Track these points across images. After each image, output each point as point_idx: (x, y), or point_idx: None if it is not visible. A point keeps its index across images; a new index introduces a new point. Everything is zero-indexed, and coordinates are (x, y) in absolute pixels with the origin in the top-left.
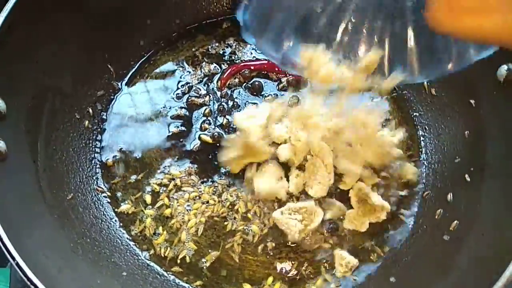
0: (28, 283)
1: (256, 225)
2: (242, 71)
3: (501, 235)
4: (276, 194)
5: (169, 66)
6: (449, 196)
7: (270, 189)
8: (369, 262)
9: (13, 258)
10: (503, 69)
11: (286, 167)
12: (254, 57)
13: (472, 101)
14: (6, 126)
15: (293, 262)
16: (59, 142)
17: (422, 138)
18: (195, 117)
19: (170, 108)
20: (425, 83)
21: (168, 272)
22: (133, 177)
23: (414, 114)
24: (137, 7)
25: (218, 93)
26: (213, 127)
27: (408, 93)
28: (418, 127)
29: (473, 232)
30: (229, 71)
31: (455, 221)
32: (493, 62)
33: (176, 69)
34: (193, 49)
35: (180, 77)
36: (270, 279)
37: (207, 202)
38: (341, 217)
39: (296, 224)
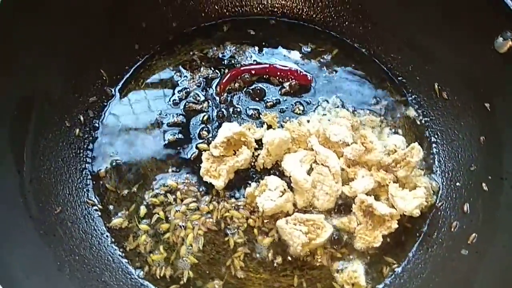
0: None
1: (259, 239)
2: (243, 75)
3: None
4: (282, 208)
5: (165, 71)
6: (466, 207)
7: (276, 205)
8: (381, 279)
9: None
10: None
11: (287, 178)
12: (254, 60)
13: (487, 105)
14: None
15: (299, 280)
16: (47, 152)
17: (434, 145)
18: (193, 124)
19: (166, 115)
20: (436, 86)
21: None
22: (127, 189)
23: (425, 119)
24: (132, 8)
25: (217, 99)
26: (212, 135)
27: (418, 97)
28: (430, 133)
29: (493, 245)
30: (228, 75)
31: (474, 234)
32: (509, 62)
33: (173, 74)
34: (191, 53)
35: (177, 83)
36: None
37: (207, 213)
38: (353, 233)
39: (300, 236)
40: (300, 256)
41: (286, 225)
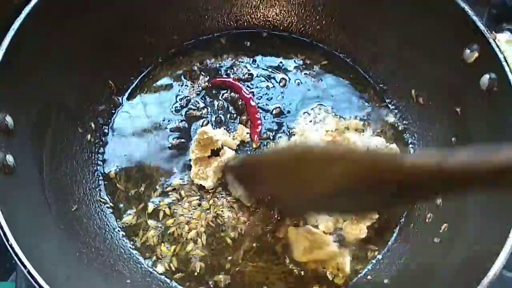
0: None
1: (256, 232)
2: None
3: (487, 236)
4: None
5: (167, 80)
6: (438, 201)
7: None
8: (364, 264)
9: (25, 267)
10: (486, 78)
11: None
12: (249, 70)
13: (458, 109)
14: (14, 141)
15: (291, 268)
16: (63, 156)
17: (411, 146)
18: (193, 129)
19: (169, 121)
20: (413, 92)
21: (171, 280)
22: (135, 188)
23: (404, 122)
24: (137, 25)
25: (215, 106)
26: None
27: (397, 103)
28: (407, 135)
29: (461, 234)
30: (223, 78)
31: (445, 224)
32: (476, 71)
33: (175, 83)
34: (191, 64)
35: (179, 91)
36: None
37: (207, 209)
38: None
39: (304, 245)
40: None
41: (296, 231)
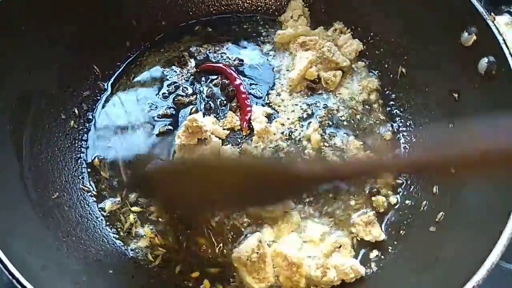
0: (10, 277)
1: (243, 220)
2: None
3: (485, 225)
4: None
5: (155, 66)
6: (434, 188)
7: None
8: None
9: None
10: (484, 61)
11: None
12: (239, 56)
13: (455, 95)
14: None
15: None
16: (44, 142)
17: (406, 133)
18: (181, 116)
19: (156, 107)
20: None
21: (155, 268)
22: (119, 176)
23: (400, 109)
24: (124, 9)
25: (205, 93)
26: None
27: (393, 89)
28: (401, 122)
29: (458, 223)
30: (213, 64)
31: (441, 213)
32: (473, 55)
33: (163, 69)
34: (179, 50)
35: (167, 77)
36: None
37: None
38: None
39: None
40: None
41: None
